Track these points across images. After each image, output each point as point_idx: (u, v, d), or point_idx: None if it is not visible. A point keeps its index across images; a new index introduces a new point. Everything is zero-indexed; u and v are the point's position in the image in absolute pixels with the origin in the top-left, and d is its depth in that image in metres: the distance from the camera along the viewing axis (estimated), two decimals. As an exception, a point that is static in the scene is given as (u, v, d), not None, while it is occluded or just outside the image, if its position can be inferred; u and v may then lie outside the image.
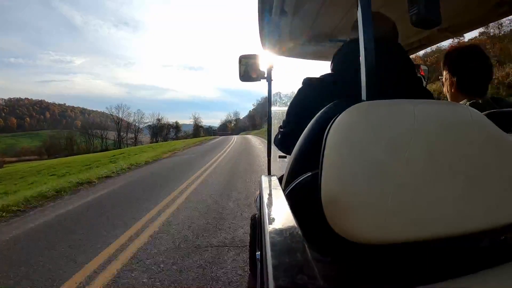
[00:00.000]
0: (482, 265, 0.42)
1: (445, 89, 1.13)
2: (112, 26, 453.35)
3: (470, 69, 1.02)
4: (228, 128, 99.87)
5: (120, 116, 75.01)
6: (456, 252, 0.48)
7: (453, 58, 1.08)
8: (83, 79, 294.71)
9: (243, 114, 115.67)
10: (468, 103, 0.97)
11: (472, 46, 1.07)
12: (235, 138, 30.22)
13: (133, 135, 73.15)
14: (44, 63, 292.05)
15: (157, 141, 69.53)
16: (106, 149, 70.34)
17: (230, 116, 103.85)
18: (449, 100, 1.10)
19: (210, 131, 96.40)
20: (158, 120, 74.59)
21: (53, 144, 71.43)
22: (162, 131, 73.38)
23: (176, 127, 75.99)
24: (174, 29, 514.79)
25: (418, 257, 0.47)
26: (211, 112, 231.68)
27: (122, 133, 73.59)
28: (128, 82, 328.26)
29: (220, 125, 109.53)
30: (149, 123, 75.51)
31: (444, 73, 1.11)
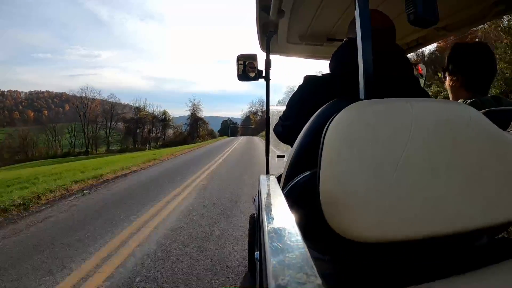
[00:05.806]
0: (480, 263, 0.42)
1: (447, 84, 1.12)
2: (138, 20, 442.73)
3: (477, 67, 1.02)
4: (253, 121, 71.01)
5: (89, 97, 47.46)
6: (453, 250, 0.47)
7: (460, 53, 1.06)
8: (110, 72, 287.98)
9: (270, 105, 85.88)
10: (468, 101, 0.96)
11: (480, 43, 1.16)
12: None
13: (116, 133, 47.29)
14: (72, 57, 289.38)
15: (135, 145, 43.16)
16: (68, 154, 47.10)
17: (254, 107, 74.04)
18: (450, 95, 1.10)
19: (226, 127, 68.37)
20: (138, 109, 45.78)
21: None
22: (143, 126, 45.20)
23: (164, 120, 45.99)
24: (200, 22, 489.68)
25: (416, 255, 0.46)
26: (237, 105, 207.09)
27: (91, 129, 48.19)
28: (155, 75, 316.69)
29: (244, 119, 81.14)
30: (125, 114, 47.80)
31: (450, 67, 1.09)
